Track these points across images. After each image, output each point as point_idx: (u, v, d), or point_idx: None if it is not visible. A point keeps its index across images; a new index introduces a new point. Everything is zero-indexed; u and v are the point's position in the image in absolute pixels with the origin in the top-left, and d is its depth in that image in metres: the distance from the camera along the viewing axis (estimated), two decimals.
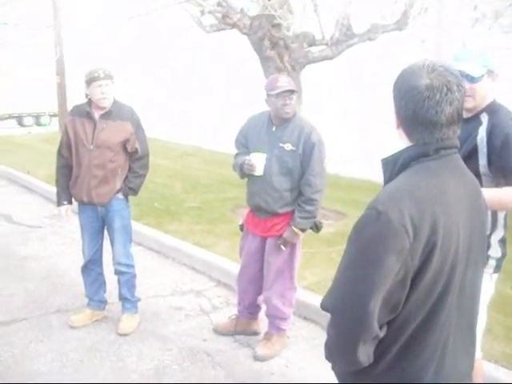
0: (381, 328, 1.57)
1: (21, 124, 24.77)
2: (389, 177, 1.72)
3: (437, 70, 1.61)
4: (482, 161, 2.79)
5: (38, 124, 23.84)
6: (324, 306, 1.62)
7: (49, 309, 4.88)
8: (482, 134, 2.82)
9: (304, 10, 7.00)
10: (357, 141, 9.92)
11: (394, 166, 1.70)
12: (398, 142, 1.75)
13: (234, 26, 6.55)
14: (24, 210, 8.60)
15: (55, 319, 4.69)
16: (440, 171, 1.65)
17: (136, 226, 6.92)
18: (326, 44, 7.09)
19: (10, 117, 24.92)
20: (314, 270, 5.36)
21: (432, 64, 1.63)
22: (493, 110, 2.86)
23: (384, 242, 1.51)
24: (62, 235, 7.04)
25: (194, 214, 7.55)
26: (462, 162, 1.74)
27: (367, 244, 1.55)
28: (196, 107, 14.04)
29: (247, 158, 3.88)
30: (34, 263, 6.06)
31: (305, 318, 4.70)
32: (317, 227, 3.94)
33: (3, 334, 4.45)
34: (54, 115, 21.11)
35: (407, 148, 1.69)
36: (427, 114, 1.60)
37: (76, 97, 4.54)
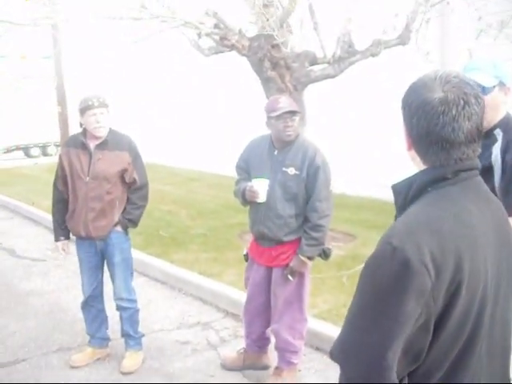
0: (401, 381, 1.36)
1: (28, 155, 24.82)
2: (401, 205, 1.50)
3: (451, 82, 1.42)
4: (498, 182, 2.57)
5: (45, 154, 23.84)
6: (334, 357, 1.40)
7: (50, 348, 4.68)
8: (496, 152, 2.59)
9: (302, 28, 6.85)
10: (362, 159, 9.73)
11: (408, 193, 1.48)
12: (411, 165, 1.56)
13: (232, 47, 6.41)
14: (28, 242, 8.46)
15: (56, 359, 4.49)
16: (462, 197, 1.44)
17: (140, 255, 6.76)
18: (328, 62, 6.94)
19: (17, 148, 25.02)
20: (324, 296, 5.14)
21: (445, 75, 1.43)
22: (508, 125, 2.65)
23: (402, 283, 1.30)
24: (66, 268, 6.85)
25: (200, 242, 7.35)
26: (485, 186, 1.53)
27: (382, 286, 1.33)
28: (199, 130, 13.90)
29: (249, 184, 3.69)
30: (37, 299, 5.88)
31: (317, 349, 4.47)
32: (325, 254, 3.73)
33: (1, 376, 4.25)
34: (60, 145, 21.14)
35: (422, 172, 1.48)
36: (443, 131, 1.40)
37: (78, 126, 4.40)
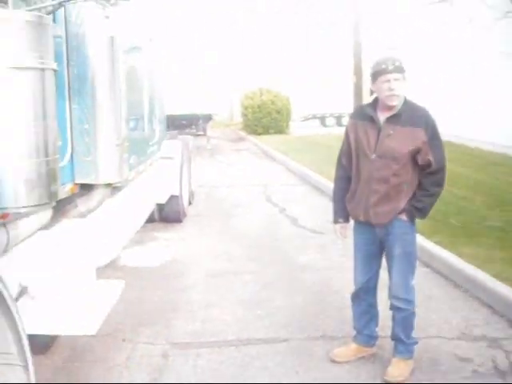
0: None
1: (323, 124, 25.87)
2: None
3: None
4: None
5: (339, 125, 24.40)
6: None
7: (313, 332, 4.34)
8: None
9: None
10: None
11: None
12: None
13: None
14: (311, 212, 8.42)
15: (318, 346, 4.12)
16: None
17: (426, 243, 6.09)
18: None
19: (314, 117, 26.25)
20: None
21: None
22: None
23: None
24: (344, 245, 6.47)
25: (497, 236, 6.30)
26: None
27: None
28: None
29: None
30: (309, 275, 5.64)
31: None
32: None
33: (259, 354, 4.02)
34: None
35: None
36: None
37: (369, 94, 3.92)
